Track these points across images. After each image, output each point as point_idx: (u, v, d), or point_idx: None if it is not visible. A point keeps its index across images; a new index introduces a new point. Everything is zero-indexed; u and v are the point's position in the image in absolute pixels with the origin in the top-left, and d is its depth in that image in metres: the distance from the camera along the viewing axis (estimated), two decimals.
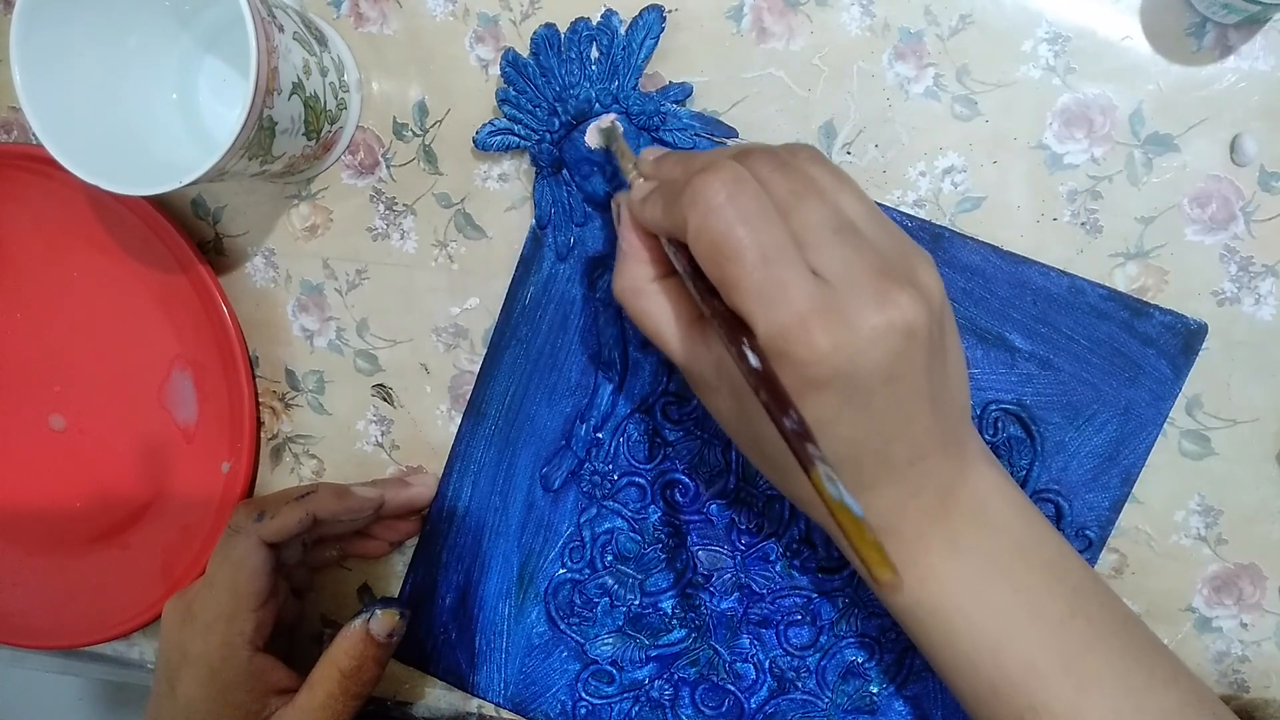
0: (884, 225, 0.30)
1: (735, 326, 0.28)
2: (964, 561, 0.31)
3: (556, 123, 0.39)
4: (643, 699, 0.42)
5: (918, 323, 0.27)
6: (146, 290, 0.46)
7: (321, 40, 0.40)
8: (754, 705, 0.41)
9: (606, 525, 0.42)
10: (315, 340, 0.45)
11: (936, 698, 0.40)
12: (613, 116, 0.38)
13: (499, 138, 0.40)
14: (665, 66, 0.40)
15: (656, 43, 0.39)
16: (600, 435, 0.42)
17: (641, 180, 0.33)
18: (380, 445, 0.45)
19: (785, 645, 0.41)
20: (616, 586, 0.42)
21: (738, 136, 0.39)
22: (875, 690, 0.40)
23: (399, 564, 0.45)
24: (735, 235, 0.27)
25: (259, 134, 0.36)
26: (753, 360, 0.27)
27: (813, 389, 0.27)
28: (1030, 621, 0.31)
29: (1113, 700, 0.30)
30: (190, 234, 0.44)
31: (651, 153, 0.35)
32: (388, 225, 0.44)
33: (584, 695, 0.42)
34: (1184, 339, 0.37)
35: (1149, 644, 0.32)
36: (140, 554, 0.47)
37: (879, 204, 0.38)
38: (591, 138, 0.38)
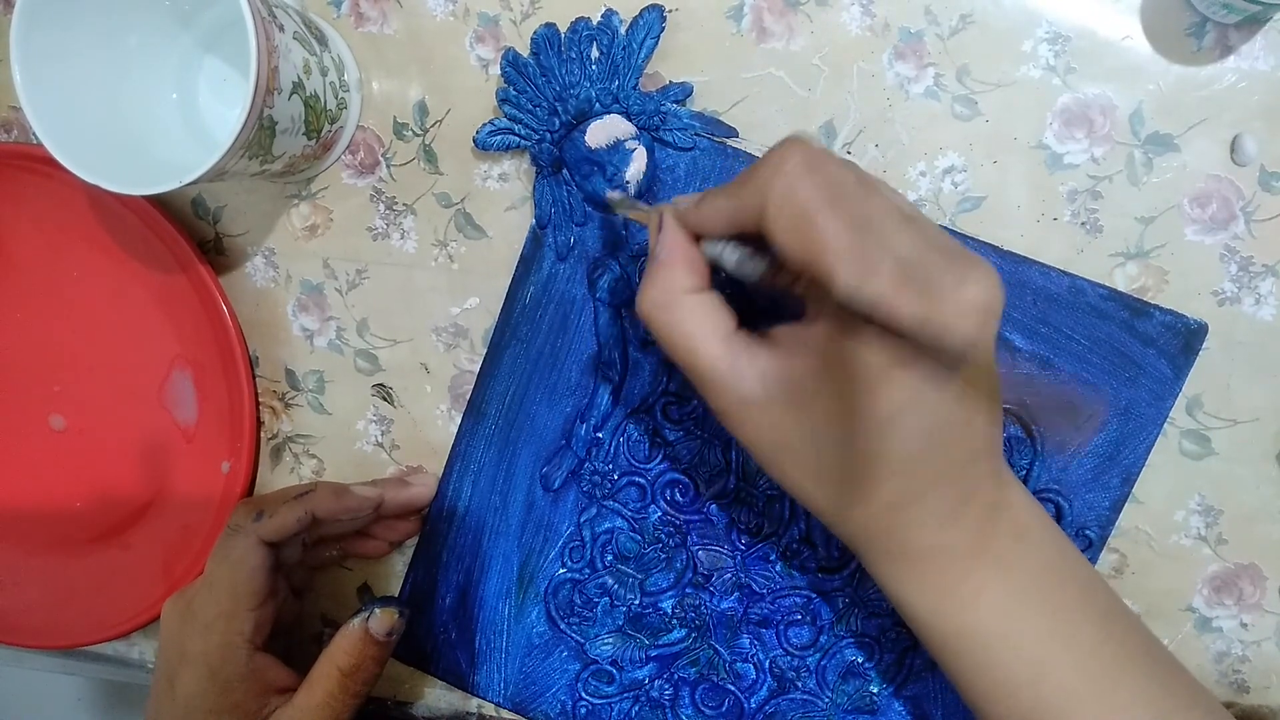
0: (931, 222, 0.29)
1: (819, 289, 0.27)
2: (1009, 579, 0.30)
3: (557, 122, 0.39)
4: (643, 699, 0.42)
5: (994, 303, 0.27)
6: (146, 290, 0.46)
7: (322, 40, 0.40)
8: (754, 705, 0.41)
9: (606, 525, 0.42)
10: (315, 340, 0.45)
11: (936, 698, 0.40)
12: (619, 193, 0.38)
13: (499, 137, 0.40)
14: (665, 66, 0.40)
15: (657, 42, 0.39)
16: (600, 435, 0.42)
17: (680, 203, 0.33)
18: (380, 445, 0.45)
19: (785, 645, 0.41)
20: (616, 586, 0.42)
21: (738, 136, 0.39)
22: (875, 690, 0.40)
23: (399, 564, 0.45)
24: (820, 201, 0.27)
25: (259, 134, 0.36)
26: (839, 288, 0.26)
27: (896, 367, 0.27)
28: (1068, 648, 0.30)
29: None
30: (190, 234, 0.44)
31: (686, 199, 0.33)
32: (388, 225, 0.44)
33: (584, 695, 0.42)
34: (1184, 339, 0.37)
35: (1170, 665, 0.32)
36: (140, 554, 0.47)
37: None
38: (612, 198, 0.38)
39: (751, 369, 0.30)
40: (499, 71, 0.40)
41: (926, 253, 0.27)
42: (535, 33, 0.39)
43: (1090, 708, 0.30)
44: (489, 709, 0.44)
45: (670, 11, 0.39)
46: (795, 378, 0.29)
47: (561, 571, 0.43)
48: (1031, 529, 0.31)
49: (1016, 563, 0.30)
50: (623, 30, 0.39)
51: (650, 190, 0.40)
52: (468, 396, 0.43)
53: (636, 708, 0.42)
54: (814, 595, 0.40)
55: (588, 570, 0.42)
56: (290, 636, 0.44)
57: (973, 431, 0.29)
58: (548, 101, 0.40)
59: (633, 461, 0.41)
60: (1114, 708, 0.30)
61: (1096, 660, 0.30)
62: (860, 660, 0.40)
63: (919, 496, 0.29)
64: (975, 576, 0.30)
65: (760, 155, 0.39)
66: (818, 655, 0.40)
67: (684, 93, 0.39)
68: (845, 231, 0.27)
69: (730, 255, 0.30)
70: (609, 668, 0.42)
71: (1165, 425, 0.38)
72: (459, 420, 0.44)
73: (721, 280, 0.32)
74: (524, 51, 0.40)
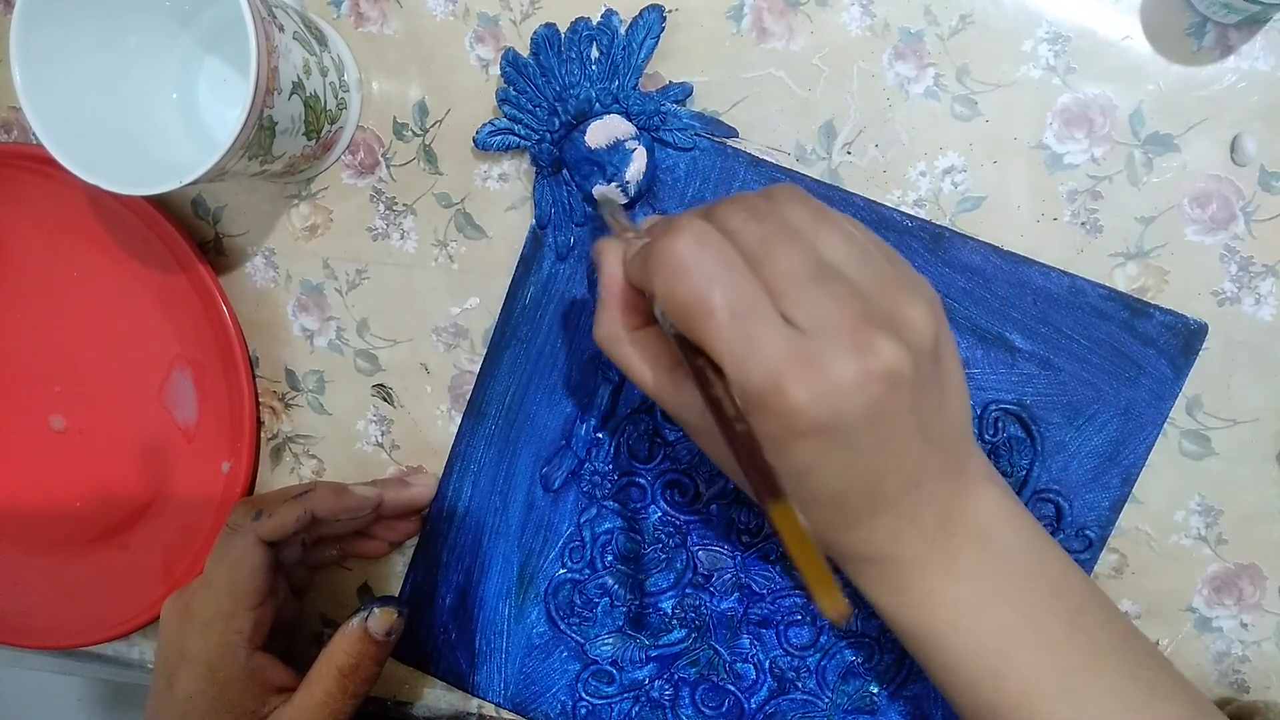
0: (870, 262, 0.29)
1: (715, 377, 0.28)
2: (963, 584, 0.31)
3: (556, 123, 0.39)
4: (643, 699, 0.42)
5: (900, 367, 0.27)
6: (146, 290, 0.46)
7: (321, 40, 0.40)
8: (754, 705, 0.41)
9: (606, 525, 0.42)
10: (315, 340, 0.45)
11: (936, 698, 0.40)
12: (615, 187, 0.39)
13: (499, 138, 0.40)
14: (665, 66, 0.40)
15: (656, 43, 0.39)
16: (600, 435, 0.42)
17: (635, 239, 0.33)
18: (380, 445, 0.45)
19: (785, 645, 0.41)
20: (616, 586, 0.42)
21: (738, 136, 0.39)
22: (875, 690, 0.40)
23: (399, 564, 0.45)
24: (701, 295, 0.27)
25: (259, 134, 0.36)
26: (728, 409, 0.27)
27: (795, 437, 0.27)
28: (1029, 642, 0.31)
29: (1110, 717, 0.30)
30: (190, 234, 0.44)
31: (650, 220, 0.34)
32: (388, 225, 0.44)
33: (584, 695, 0.42)
34: (1184, 339, 0.37)
35: (1150, 660, 0.32)
36: (140, 554, 0.47)
37: (878, 204, 0.39)
38: (597, 192, 0.38)
39: (694, 401, 0.30)
40: (499, 71, 0.40)
41: (827, 319, 0.27)
42: (535, 33, 0.39)
43: (1051, 702, 0.30)
44: (489, 709, 0.44)
45: (670, 11, 0.39)
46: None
47: (561, 572, 0.43)
48: (994, 533, 0.31)
49: (973, 568, 0.31)
50: (623, 30, 0.39)
51: (650, 190, 0.40)
52: (468, 396, 0.43)
53: (636, 708, 0.42)
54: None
55: (588, 570, 0.42)
56: (290, 636, 0.44)
57: (902, 470, 0.29)
58: (548, 101, 0.40)
59: (633, 461, 0.41)
60: (1079, 701, 0.30)
61: (1063, 657, 0.30)
62: (860, 660, 0.40)
63: (854, 524, 0.30)
64: (927, 581, 0.31)
65: (760, 155, 0.39)
66: (818, 655, 0.40)
67: (684, 93, 0.39)
68: (724, 326, 0.27)
69: (662, 320, 0.31)
70: (609, 668, 0.42)
71: (1165, 425, 0.38)
72: (459, 420, 0.43)
73: None
74: (524, 51, 0.40)
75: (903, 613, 0.32)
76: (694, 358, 0.28)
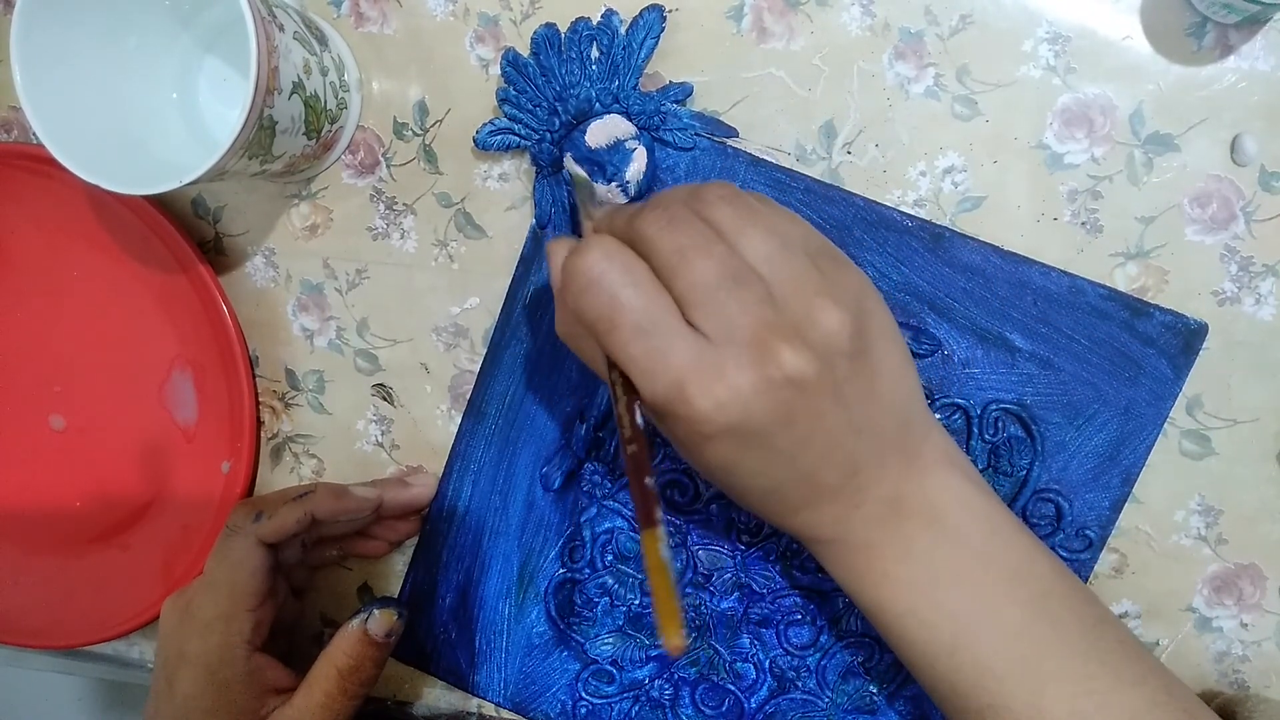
0: (790, 262, 0.29)
1: (625, 390, 0.29)
2: (915, 566, 0.31)
3: (556, 122, 0.39)
4: (643, 699, 0.42)
5: (802, 373, 0.28)
6: (146, 290, 0.46)
7: (322, 40, 0.40)
8: (754, 705, 0.41)
9: (606, 525, 0.42)
10: (315, 340, 0.45)
11: None
12: (615, 187, 0.39)
13: (499, 137, 0.40)
14: (665, 66, 0.40)
15: (657, 42, 0.39)
16: (600, 435, 0.42)
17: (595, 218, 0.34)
18: (380, 445, 0.45)
19: (785, 645, 0.41)
20: (616, 586, 0.42)
21: (738, 136, 0.39)
22: (875, 690, 0.40)
23: (399, 564, 0.45)
24: (605, 312, 0.28)
25: (259, 134, 0.36)
26: (624, 430, 0.28)
27: (705, 440, 0.28)
28: (987, 626, 0.31)
29: (1071, 701, 0.30)
30: (190, 234, 0.44)
31: (609, 209, 0.35)
32: (388, 225, 0.44)
33: (584, 695, 0.42)
34: (1184, 339, 0.37)
35: (1119, 645, 0.32)
36: (140, 554, 0.47)
37: (878, 204, 0.39)
38: (570, 165, 0.38)
39: None
40: (499, 71, 0.40)
41: (731, 328, 0.28)
42: (535, 33, 0.39)
43: (1010, 684, 0.30)
44: (489, 709, 0.44)
45: (670, 11, 0.39)
46: None
47: (561, 571, 0.43)
48: (947, 517, 0.32)
49: (925, 551, 0.31)
50: (623, 30, 0.39)
51: (650, 190, 0.40)
52: (468, 396, 0.43)
53: (636, 708, 0.42)
54: (814, 595, 0.40)
55: (588, 570, 0.42)
56: (290, 637, 0.44)
57: (834, 462, 0.30)
58: (548, 101, 0.40)
59: None
60: (1040, 685, 0.30)
61: (1022, 638, 0.31)
62: (860, 660, 0.40)
63: (796, 511, 0.31)
64: (880, 564, 0.32)
65: (760, 155, 0.39)
66: (818, 655, 0.40)
67: (684, 93, 0.39)
68: (629, 341, 0.28)
69: None
70: (609, 667, 0.42)
71: (1165, 425, 0.38)
72: (459, 420, 0.43)
73: None
74: (524, 51, 0.40)
75: (862, 592, 0.32)
76: (609, 369, 0.29)
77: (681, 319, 0.28)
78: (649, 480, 0.27)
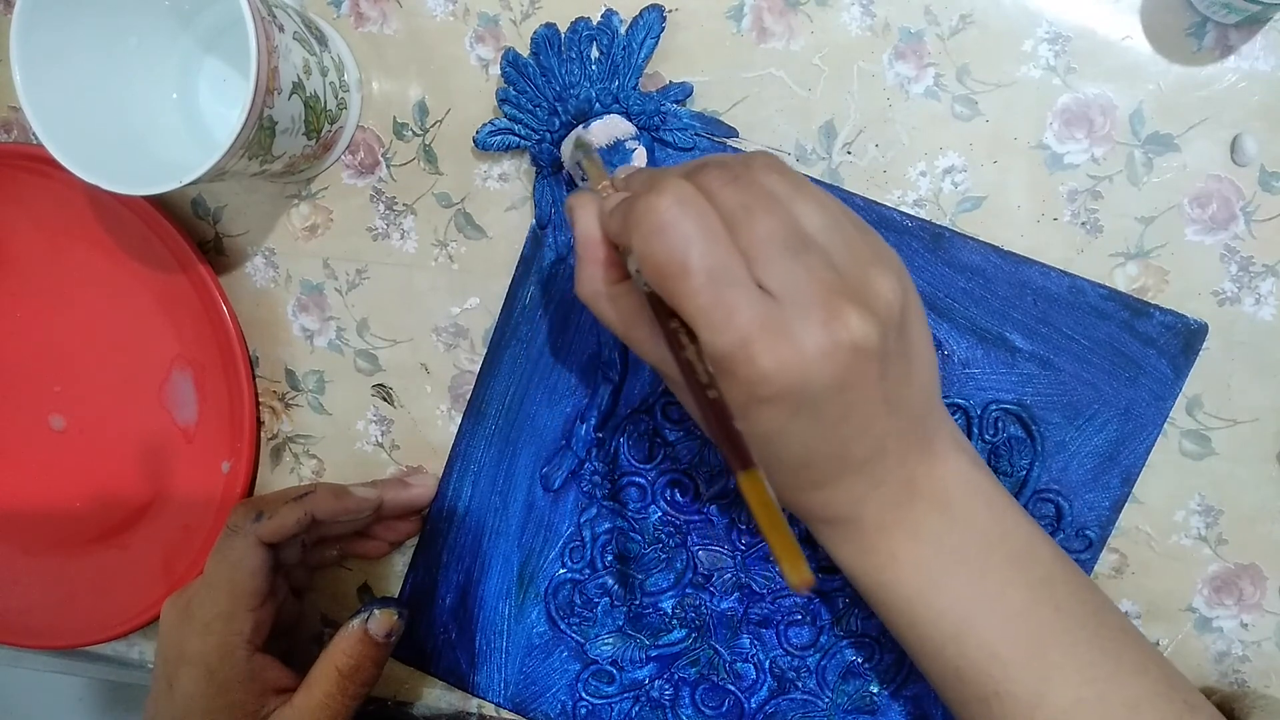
0: (843, 233, 0.29)
1: (687, 339, 0.28)
2: (923, 548, 0.31)
3: (556, 122, 0.39)
4: (643, 699, 0.42)
5: (867, 339, 0.27)
6: (146, 290, 0.46)
7: (322, 40, 0.40)
8: (754, 705, 0.41)
9: (606, 525, 0.42)
10: (315, 340, 0.45)
11: (937, 698, 0.40)
12: (588, 141, 0.38)
13: (499, 137, 0.40)
14: (665, 66, 0.40)
15: (657, 42, 0.39)
16: (600, 435, 0.42)
17: (613, 191, 0.33)
18: (380, 445, 0.45)
19: (785, 645, 0.41)
20: (617, 586, 0.42)
21: (738, 136, 0.39)
22: (875, 690, 0.40)
23: (399, 564, 0.45)
24: (678, 257, 0.27)
25: (259, 134, 0.36)
26: (700, 375, 0.27)
27: (759, 404, 0.28)
28: (992, 609, 0.31)
29: (1075, 689, 0.30)
30: (190, 234, 0.44)
31: (627, 169, 0.34)
32: (388, 225, 0.44)
33: (584, 695, 0.42)
34: (1184, 339, 0.37)
35: (1120, 634, 0.32)
36: (140, 554, 0.47)
37: (879, 204, 0.39)
38: (565, 150, 0.38)
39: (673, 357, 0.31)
40: (499, 71, 0.40)
41: (799, 288, 0.27)
42: (535, 33, 0.39)
43: (1015, 669, 0.30)
44: (489, 709, 0.44)
45: (670, 11, 0.39)
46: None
47: (562, 571, 0.43)
48: (956, 500, 0.32)
49: (934, 533, 0.31)
50: (623, 30, 0.39)
51: None
52: (468, 396, 0.43)
53: (637, 708, 0.42)
54: (814, 595, 0.40)
55: (588, 570, 0.42)
56: (290, 636, 0.44)
57: (868, 437, 0.30)
58: (548, 101, 0.40)
59: (633, 461, 0.41)
60: (1044, 671, 0.30)
61: (1027, 624, 0.31)
62: (860, 660, 0.40)
63: (819, 486, 0.31)
64: (890, 544, 0.32)
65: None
66: (818, 655, 0.40)
67: (684, 93, 0.39)
68: (700, 289, 0.27)
69: (636, 277, 0.30)
70: (609, 668, 0.42)
71: (1165, 425, 0.38)
72: (459, 420, 0.43)
73: None
74: (524, 51, 0.40)
75: (867, 574, 0.32)
76: (667, 319, 0.28)
77: (749, 275, 0.27)
78: (739, 422, 0.26)
